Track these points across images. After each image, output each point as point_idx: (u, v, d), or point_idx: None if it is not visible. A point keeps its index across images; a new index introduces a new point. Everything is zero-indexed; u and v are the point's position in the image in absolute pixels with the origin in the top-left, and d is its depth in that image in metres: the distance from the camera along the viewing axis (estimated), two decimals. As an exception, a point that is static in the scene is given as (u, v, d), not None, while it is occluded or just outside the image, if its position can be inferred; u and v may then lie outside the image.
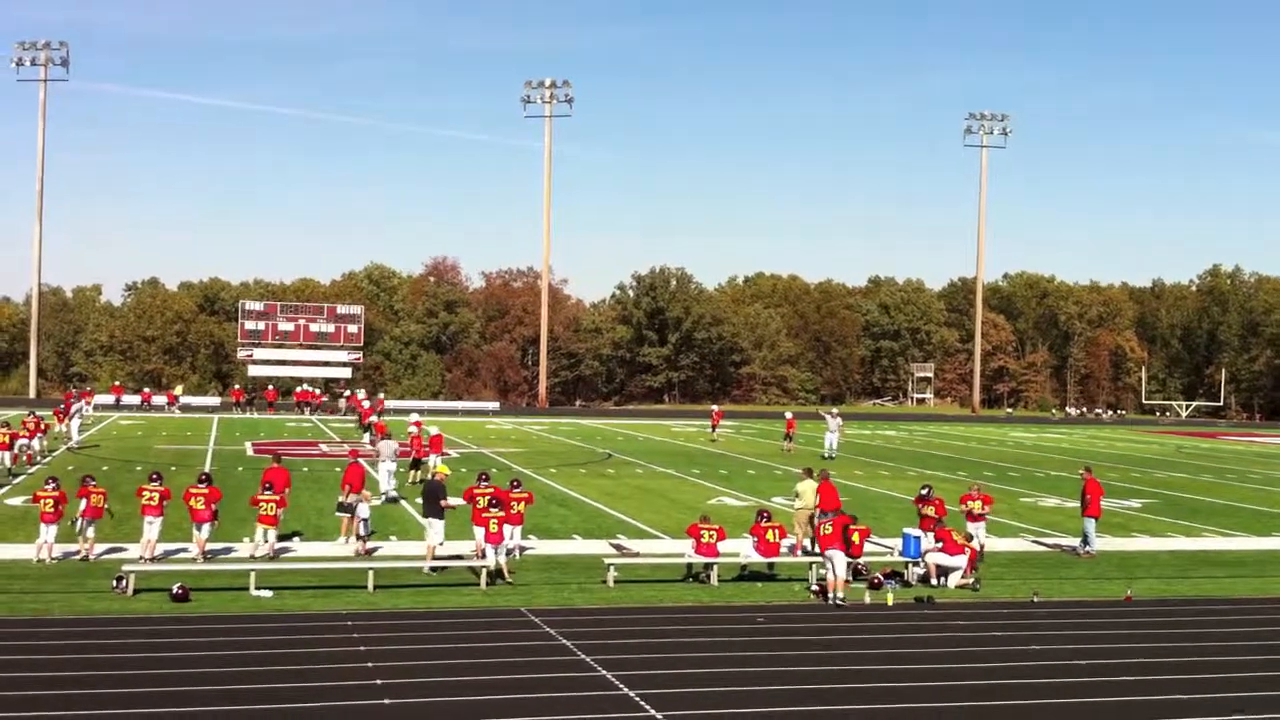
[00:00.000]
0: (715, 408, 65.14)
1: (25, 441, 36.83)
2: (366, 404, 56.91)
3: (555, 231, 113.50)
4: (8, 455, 34.45)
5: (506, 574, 20.68)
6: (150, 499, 21.25)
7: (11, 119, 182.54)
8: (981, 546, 23.25)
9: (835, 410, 56.68)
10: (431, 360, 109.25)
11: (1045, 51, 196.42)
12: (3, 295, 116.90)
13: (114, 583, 18.90)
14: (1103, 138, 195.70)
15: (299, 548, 23.32)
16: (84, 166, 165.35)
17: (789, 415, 54.86)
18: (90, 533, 21.53)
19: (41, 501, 21.38)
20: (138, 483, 24.07)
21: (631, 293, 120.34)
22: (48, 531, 21.21)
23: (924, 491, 24.01)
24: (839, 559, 19.64)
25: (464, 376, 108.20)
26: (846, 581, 19.83)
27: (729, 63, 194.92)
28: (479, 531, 21.33)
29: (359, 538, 22.88)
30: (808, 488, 24.21)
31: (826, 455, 47.06)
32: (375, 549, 22.99)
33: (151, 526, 21.16)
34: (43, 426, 40.06)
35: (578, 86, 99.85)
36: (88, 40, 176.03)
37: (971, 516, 23.91)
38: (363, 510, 23.04)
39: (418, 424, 38.06)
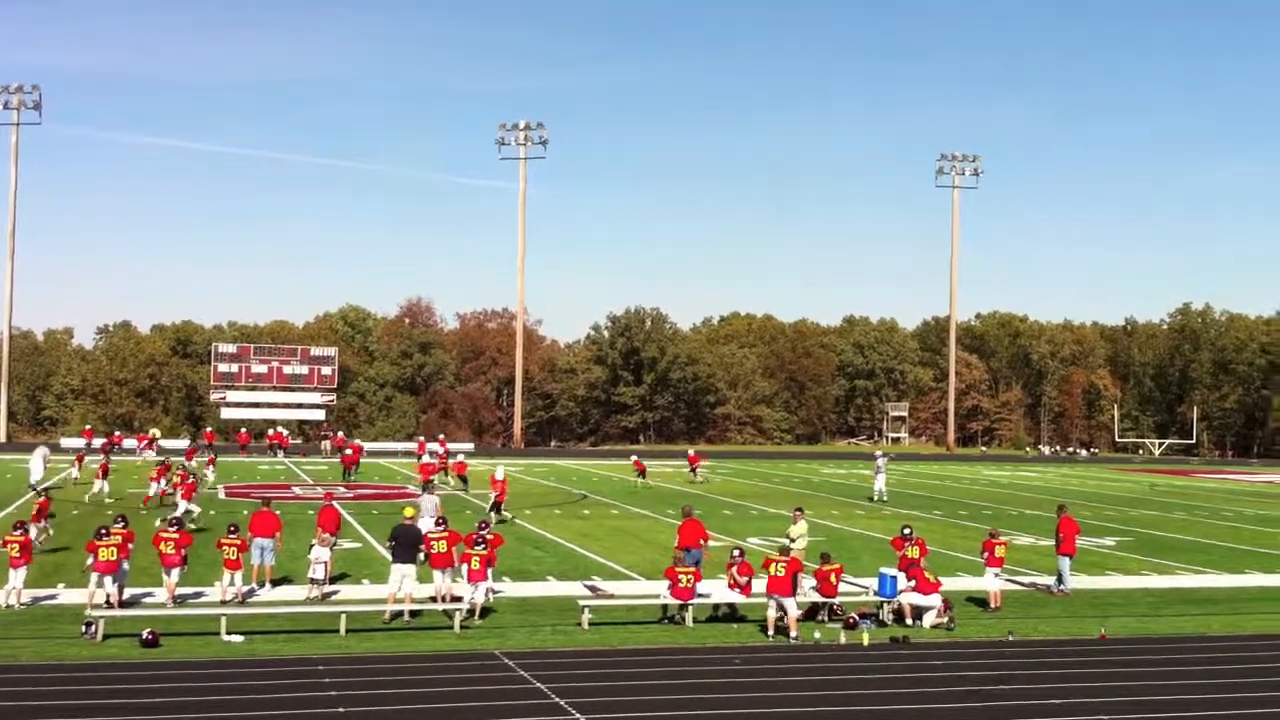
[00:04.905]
0: (691, 451, 65.05)
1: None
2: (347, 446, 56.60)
3: (529, 273, 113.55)
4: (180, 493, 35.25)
5: (477, 613, 20.74)
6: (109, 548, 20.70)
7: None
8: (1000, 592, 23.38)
9: (880, 452, 56.94)
10: (406, 402, 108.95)
11: (1016, 91, 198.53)
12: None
13: (83, 628, 18.70)
14: (1073, 177, 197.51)
15: (272, 592, 23.09)
16: (56, 209, 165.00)
17: (692, 453, 55.77)
18: (108, 585, 20.52)
19: (9, 546, 21.15)
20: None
21: (606, 333, 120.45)
22: (16, 576, 20.95)
23: (905, 531, 23.84)
24: (790, 603, 19.79)
25: (439, 418, 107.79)
26: (803, 619, 20.34)
27: (702, 105, 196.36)
28: (463, 570, 21.50)
29: (313, 580, 22.64)
30: (801, 529, 24.26)
31: (875, 499, 47.04)
32: (332, 593, 22.84)
33: (105, 578, 20.62)
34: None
35: (552, 128, 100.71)
36: (60, 84, 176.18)
37: (993, 560, 23.70)
38: (322, 554, 22.87)
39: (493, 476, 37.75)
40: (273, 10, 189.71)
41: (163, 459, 44.77)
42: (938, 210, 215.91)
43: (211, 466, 47.10)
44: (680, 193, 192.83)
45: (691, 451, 61.54)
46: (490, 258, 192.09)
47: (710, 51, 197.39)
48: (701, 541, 23.84)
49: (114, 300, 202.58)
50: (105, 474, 41.35)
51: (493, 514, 35.34)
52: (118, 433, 79.43)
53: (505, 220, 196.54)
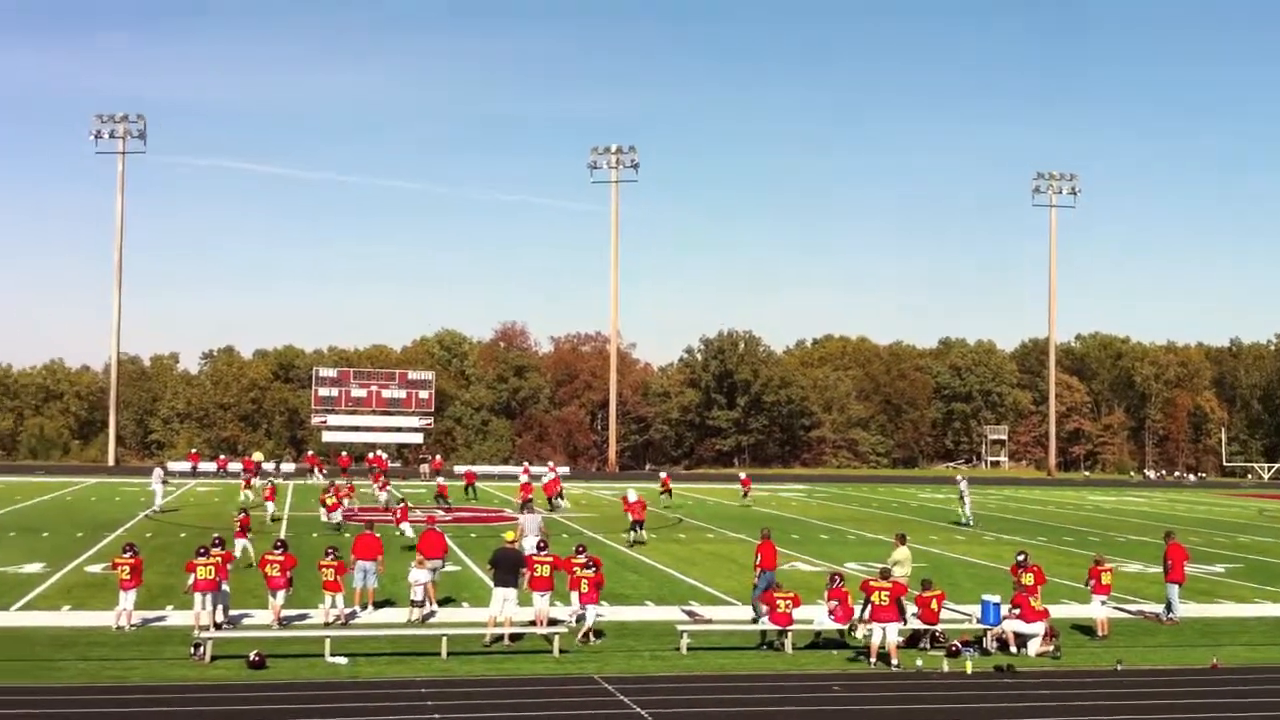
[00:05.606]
0: (743, 474, 65.54)
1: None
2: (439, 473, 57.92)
3: (623, 296, 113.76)
4: (338, 514, 39.31)
5: (580, 635, 20.99)
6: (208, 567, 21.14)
7: (91, 190, 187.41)
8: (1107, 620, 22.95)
9: (961, 476, 56.50)
10: (502, 425, 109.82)
11: (1112, 106, 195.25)
12: (82, 364, 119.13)
13: (191, 649, 19.05)
14: (1175, 194, 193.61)
15: (374, 615, 23.36)
16: (161, 236, 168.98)
17: (664, 475, 58.38)
18: (207, 604, 20.85)
19: (119, 568, 21.63)
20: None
21: (700, 356, 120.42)
22: (126, 598, 21.40)
23: (1020, 558, 23.51)
24: (892, 630, 19.64)
25: (534, 441, 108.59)
26: (904, 646, 20.15)
27: (794, 124, 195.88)
28: (576, 597, 21.82)
29: (414, 603, 22.96)
30: (904, 555, 23.98)
31: (964, 522, 46.63)
32: (430, 615, 23.12)
33: (206, 596, 20.99)
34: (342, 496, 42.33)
35: (643, 149, 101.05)
36: (164, 113, 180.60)
37: (1099, 587, 23.22)
38: (421, 576, 23.14)
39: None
40: (369, 38, 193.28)
41: (330, 481, 46.54)
42: (1035, 230, 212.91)
43: (386, 489, 48.89)
44: (773, 214, 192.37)
45: (743, 475, 63.60)
46: (583, 281, 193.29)
47: (801, 70, 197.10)
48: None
49: (218, 326, 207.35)
50: (273, 495, 43.26)
51: (633, 533, 37.14)
52: (222, 456, 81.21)
53: (598, 244, 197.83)
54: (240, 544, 29.02)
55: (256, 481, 53.20)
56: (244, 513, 32.18)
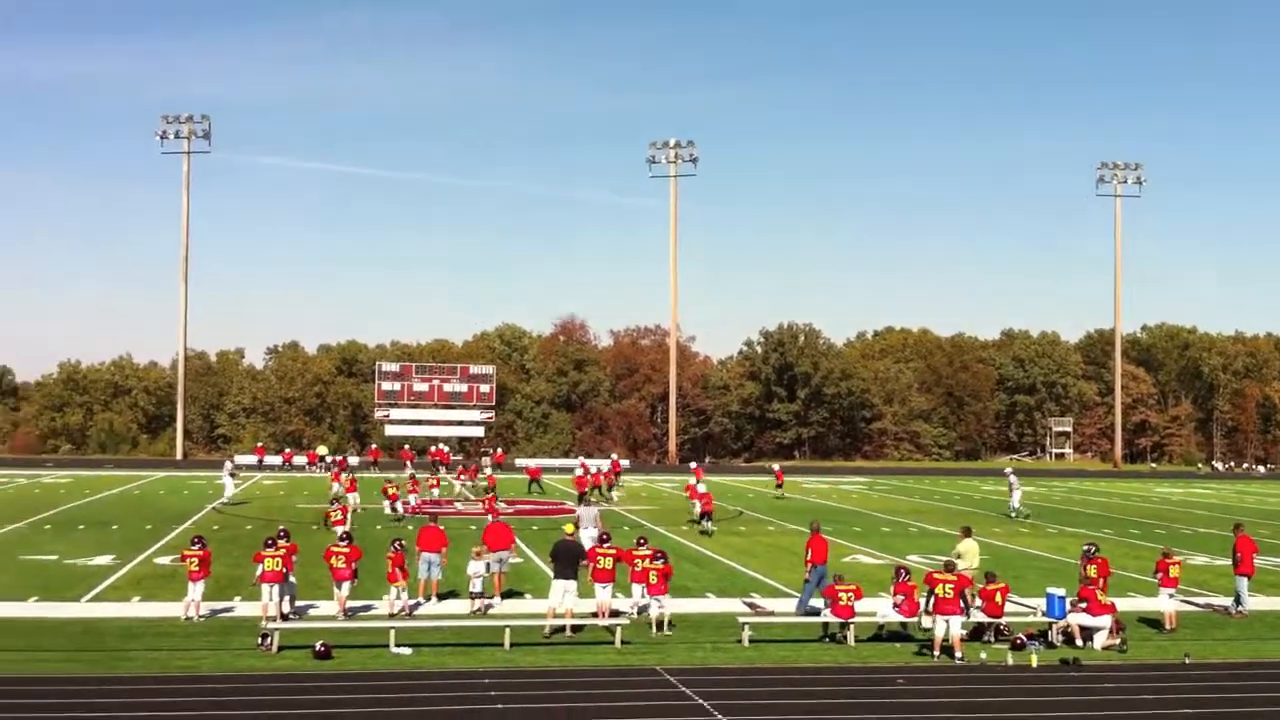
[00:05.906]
0: (776, 466, 65.59)
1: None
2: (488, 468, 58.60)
3: (682, 289, 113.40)
4: (400, 505, 41.83)
5: (655, 625, 21.28)
6: (275, 559, 21.37)
7: (158, 189, 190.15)
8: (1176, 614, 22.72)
9: (1009, 469, 56.21)
10: (562, 418, 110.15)
11: (1177, 94, 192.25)
12: (150, 359, 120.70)
13: (259, 640, 19.32)
14: (1240, 182, 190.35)
15: (438, 606, 23.55)
16: (226, 234, 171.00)
17: (695, 465, 60.48)
18: (275, 594, 21.06)
19: (188, 560, 21.94)
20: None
21: (759, 349, 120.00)
22: (195, 589, 21.73)
23: (1087, 549, 23.32)
24: (956, 623, 19.53)
25: (594, 434, 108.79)
26: (968, 639, 20.12)
27: (854, 116, 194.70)
28: (638, 589, 22.13)
29: (473, 595, 23.12)
30: (969, 547, 23.83)
31: (1016, 515, 46.40)
32: (488, 606, 23.25)
33: (273, 588, 21.29)
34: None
35: (702, 143, 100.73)
36: (229, 112, 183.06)
37: (1167, 580, 22.99)
38: (479, 568, 23.28)
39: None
40: (428, 34, 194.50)
41: (411, 474, 47.44)
42: (1099, 220, 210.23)
43: (461, 479, 49.52)
44: (832, 206, 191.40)
45: (777, 467, 64.37)
46: (643, 275, 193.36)
47: (859, 61, 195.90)
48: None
49: (282, 321, 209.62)
50: (354, 488, 44.11)
51: (702, 522, 38.30)
52: (288, 450, 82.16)
53: (657, 237, 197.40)
54: (340, 531, 29.29)
55: (344, 475, 53.85)
56: (336, 502, 33.40)
